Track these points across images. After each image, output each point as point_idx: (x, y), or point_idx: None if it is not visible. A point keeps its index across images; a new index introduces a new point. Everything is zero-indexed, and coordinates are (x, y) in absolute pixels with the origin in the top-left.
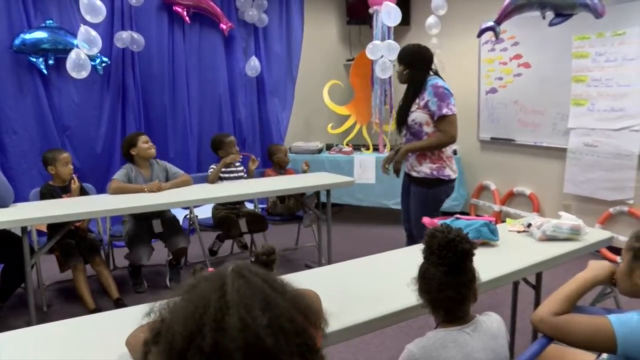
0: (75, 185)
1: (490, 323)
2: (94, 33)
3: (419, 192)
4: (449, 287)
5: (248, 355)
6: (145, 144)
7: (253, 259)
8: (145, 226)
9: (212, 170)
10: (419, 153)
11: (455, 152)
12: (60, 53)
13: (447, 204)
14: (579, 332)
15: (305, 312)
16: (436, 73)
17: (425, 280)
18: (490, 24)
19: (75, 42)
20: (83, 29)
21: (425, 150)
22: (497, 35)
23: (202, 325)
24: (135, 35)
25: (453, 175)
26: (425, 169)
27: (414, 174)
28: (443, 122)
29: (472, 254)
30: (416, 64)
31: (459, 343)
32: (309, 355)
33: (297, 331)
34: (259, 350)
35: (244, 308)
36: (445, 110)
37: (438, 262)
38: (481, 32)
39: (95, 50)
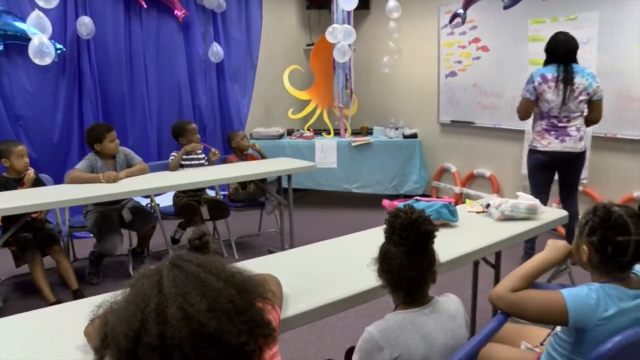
0: (28, 176)
1: (449, 304)
2: (44, 17)
3: None
4: (409, 268)
5: (196, 342)
6: (111, 143)
7: (188, 247)
8: (112, 214)
9: (173, 157)
10: None
11: (415, 135)
12: (10, 39)
13: (409, 187)
14: (534, 306)
15: (245, 287)
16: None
17: (386, 260)
18: (460, 10)
19: (24, 27)
20: (34, 13)
21: None
22: (463, 21)
23: (145, 322)
24: (88, 20)
25: (540, 147)
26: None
27: None
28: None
29: (434, 236)
30: (548, 52)
31: (417, 324)
32: (259, 330)
33: (240, 310)
34: (204, 335)
35: (182, 297)
36: (521, 92)
37: (400, 242)
38: (452, 18)
39: (45, 36)
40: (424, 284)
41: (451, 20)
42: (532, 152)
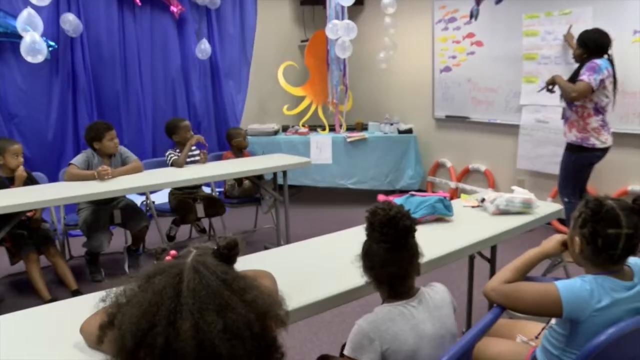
0: (18, 173)
1: (435, 294)
2: (35, 15)
3: (565, 155)
4: (391, 264)
5: (201, 358)
6: (110, 142)
7: (215, 249)
8: (103, 212)
9: (171, 154)
10: (569, 122)
11: (410, 131)
12: (2, 36)
13: (405, 182)
14: (528, 298)
15: (266, 311)
16: (609, 60)
17: (369, 257)
18: (475, 7)
19: (16, 24)
20: (25, 11)
21: (560, 88)
22: (475, 16)
23: (154, 325)
24: (72, 17)
25: (599, 145)
26: (572, 136)
27: (565, 139)
28: (578, 82)
29: (414, 230)
30: (595, 51)
31: (406, 315)
32: (268, 354)
33: (254, 335)
34: (212, 355)
35: (198, 312)
36: (583, 77)
37: (380, 239)
38: (471, 15)
39: (37, 34)
40: (408, 278)
41: (471, 17)
42: (587, 149)
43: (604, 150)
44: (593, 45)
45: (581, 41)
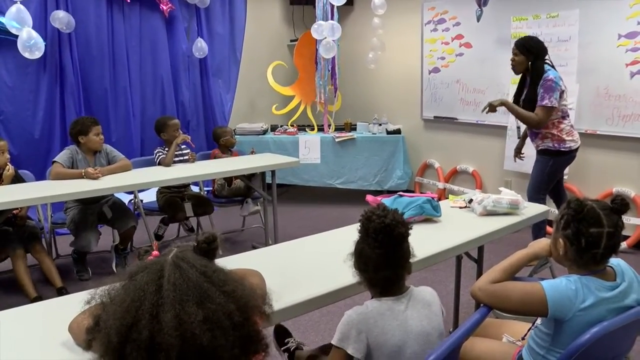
0: (7, 172)
1: (425, 294)
2: (24, 11)
3: (541, 160)
4: (384, 268)
5: (185, 351)
6: (96, 137)
7: (195, 245)
8: (91, 211)
9: (159, 152)
10: (541, 135)
11: (399, 131)
12: None
13: (393, 182)
14: (514, 297)
15: (247, 302)
16: (551, 64)
17: (362, 259)
18: (478, 9)
19: (3, 21)
20: (14, 7)
21: (515, 115)
22: (478, 18)
23: (138, 319)
24: (62, 14)
25: (574, 146)
26: (548, 143)
27: (539, 148)
28: (539, 109)
29: (408, 235)
30: (541, 55)
31: (395, 311)
32: (251, 346)
33: (235, 325)
34: (195, 346)
35: (179, 304)
36: (545, 102)
37: (374, 245)
38: (478, 19)
39: (33, 31)
40: (400, 280)
41: (478, 21)
42: (565, 152)
43: (577, 150)
44: (537, 50)
45: (524, 48)
